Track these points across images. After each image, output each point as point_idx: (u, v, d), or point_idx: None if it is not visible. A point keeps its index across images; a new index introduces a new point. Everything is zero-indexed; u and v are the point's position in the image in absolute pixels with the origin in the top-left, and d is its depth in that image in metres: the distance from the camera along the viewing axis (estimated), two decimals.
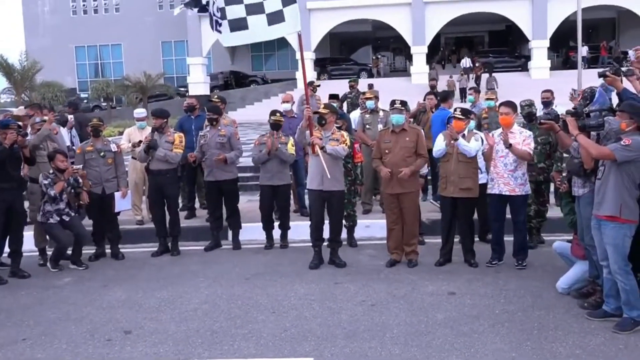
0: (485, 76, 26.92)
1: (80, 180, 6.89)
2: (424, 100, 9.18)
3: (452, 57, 37.43)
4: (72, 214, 6.83)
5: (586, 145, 4.58)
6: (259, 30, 6.46)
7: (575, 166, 5.03)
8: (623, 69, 5.16)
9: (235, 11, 6.44)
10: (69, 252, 6.89)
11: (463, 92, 24.49)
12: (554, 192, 8.05)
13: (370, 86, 16.05)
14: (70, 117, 9.35)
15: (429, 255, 6.61)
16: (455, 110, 6.51)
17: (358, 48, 39.16)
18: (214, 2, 6.57)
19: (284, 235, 7.48)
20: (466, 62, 29.32)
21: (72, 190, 6.80)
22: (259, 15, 6.40)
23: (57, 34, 39.23)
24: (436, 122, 8.07)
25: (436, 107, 8.77)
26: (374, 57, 36.33)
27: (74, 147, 8.41)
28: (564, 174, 5.47)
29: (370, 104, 8.44)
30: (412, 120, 7.74)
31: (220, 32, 6.62)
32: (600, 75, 5.03)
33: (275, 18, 6.38)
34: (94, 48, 40.60)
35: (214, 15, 6.59)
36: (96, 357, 4.43)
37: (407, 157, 6.35)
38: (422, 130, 6.88)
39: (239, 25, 6.48)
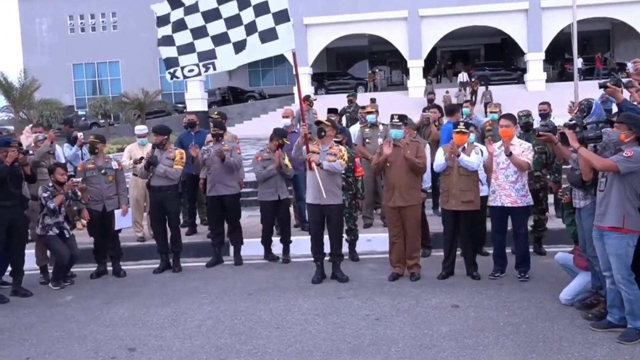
0: (481, 90, 27.06)
1: (79, 194, 6.91)
2: (424, 111, 9.22)
3: (448, 72, 37.67)
4: (69, 229, 6.83)
5: (589, 158, 4.61)
6: (253, 50, 6.55)
7: (576, 178, 5.05)
8: (623, 80, 5.22)
9: (239, 33, 6.52)
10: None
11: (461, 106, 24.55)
12: (554, 204, 8.14)
13: (373, 100, 16.10)
14: (80, 134, 9.40)
15: (432, 268, 6.62)
16: (458, 123, 6.55)
17: (355, 62, 39.40)
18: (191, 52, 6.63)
19: (286, 250, 7.49)
20: (463, 76, 29.49)
21: (70, 203, 6.80)
22: (254, 35, 6.49)
23: (55, 51, 39.41)
24: (444, 135, 8.10)
25: (439, 121, 8.81)
26: (370, 71, 36.52)
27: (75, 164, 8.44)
28: (564, 186, 5.50)
29: (371, 117, 8.49)
30: (416, 132, 7.77)
31: (208, 68, 6.67)
32: (601, 86, 5.08)
33: (268, 36, 6.47)
34: (92, 65, 40.77)
35: (200, 58, 6.67)
36: None
37: (408, 171, 6.37)
38: (421, 144, 6.91)
39: (241, 47, 6.56)
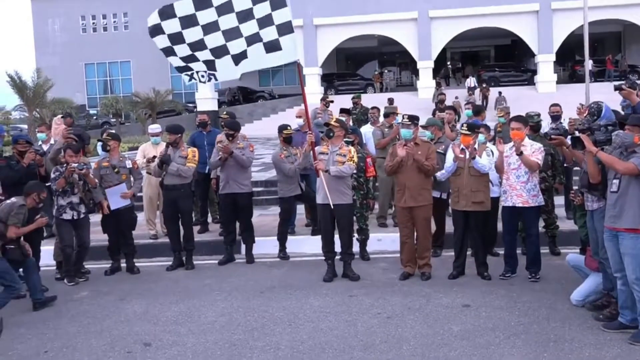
0: (495, 95, 26.91)
1: (86, 179, 6.90)
2: (436, 111, 9.25)
3: (457, 74, 37.58)
4: (84, 211, 6.87)
5: (609, 161, 4.63)
6: (256, 59, 6.70)
7: (587, 181, 5.08)
8: (639, 82, 5.24)
9: (239, 45, 6.65)
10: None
11: None
12: (565, 205, 8.15)
13: (391, 101, 16.08)
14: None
15: (442, 268, 6.66)
16: (462, 125, 6.60)
17: (364, 63, 39.42)
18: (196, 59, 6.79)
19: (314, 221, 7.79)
20: (471, 81, 29.39)
21: (83, 183, 6.83)
22: (257, 44, 6.61)
23: (67, 51, 39.77)
24: None
25: (456, 122, 8.84)
26: (376, 72, 36.49)
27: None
28: (575, 187, 5.52)
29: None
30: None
31: (213, 77, 6.87)
32: (616, 88, 5.10)
33: (272, 46, 6.61)
34: (103, 65, 41.11)
35: (201, 72, 6.84)
36: None
37: (419, 172, 6.42)
38: (433, 145, 6.95)
39: (241, 57, 6.71)
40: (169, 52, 6.83)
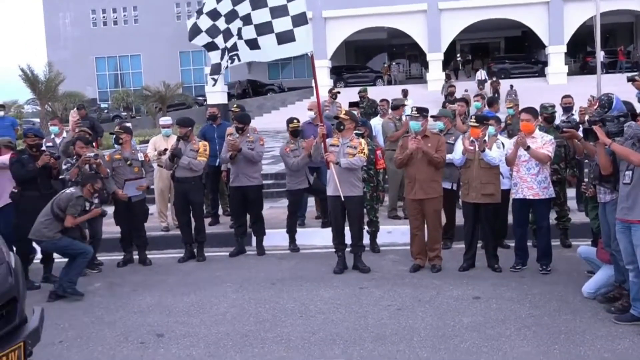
0: (506, 89, 26.69)
1: (98, 169, 6.98)
2: (446, 104, 9.22)
3: (467, 67, 37.33)
4: (97, 202, 6.93)
5: (624, 153, 4.60)
6: (269, 50, 6.71)
7: (598, 172, 5.05)
8: None
9: (249, 32, 6.70)
10: None
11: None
12: (576, 197, 8.12)
13: (405, 92, 15.99)
14: (129, 125, 9.72)
15: (452, 260, 6.66)
16: (470, 117, 6.58)
17: (374, 55, 39.29)
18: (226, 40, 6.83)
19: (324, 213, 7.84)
20: (481, 74, 29.18)
21: (94, 174, 6.90)
22: (268, 35, 6.62)
23: (78, 45, 39.96)
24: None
25: (467, 114, 8.80)
26: (384, 64, 36.35)
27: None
28: (586, 179, 5.49)
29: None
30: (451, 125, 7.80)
31: (234, 59, 6.89)
32: (629, 79, 5.06)
33: (285, 37, 6.61)
34: (114, 59, 41.28)
35: (228, 52, 6.88)
36: (131, 359, 4.55)
37: (429, 164, 6.41)
38: (443, 137, 6.93)
39: (253, 45, 6.77)
40: (211, 47, 6.94)
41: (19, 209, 6.56)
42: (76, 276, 6.15)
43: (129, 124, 10.06)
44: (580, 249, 5.87)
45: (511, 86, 26.44)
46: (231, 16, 6.72)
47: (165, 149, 7.78)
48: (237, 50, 6.84)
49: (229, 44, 6.79)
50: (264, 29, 6.64)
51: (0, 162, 6.67)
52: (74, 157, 6.92)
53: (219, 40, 6.81)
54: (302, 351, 4.54)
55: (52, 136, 9.37)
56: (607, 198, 5.08)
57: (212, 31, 6.81)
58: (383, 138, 8.80)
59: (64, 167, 6.86)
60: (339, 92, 11.01)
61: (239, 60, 6.91)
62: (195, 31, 6.89)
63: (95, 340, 4.93)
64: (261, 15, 6.62)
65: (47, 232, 6.05)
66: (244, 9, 6.67)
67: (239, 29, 6.73)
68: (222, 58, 6.87)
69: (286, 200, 8.12)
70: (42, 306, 4.19)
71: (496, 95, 26.10)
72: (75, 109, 9.75)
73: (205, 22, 6.82)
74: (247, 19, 6.68)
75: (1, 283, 3.40)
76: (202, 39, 6.88)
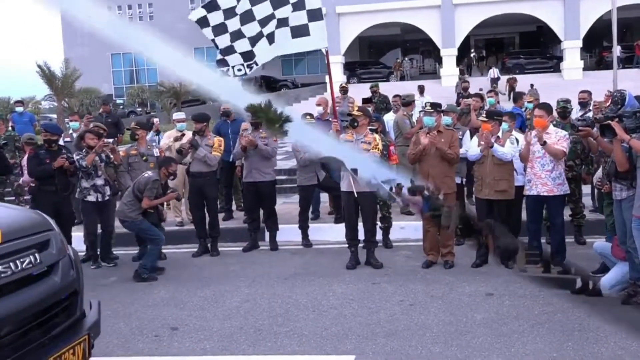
0: (526, 87, 26.38)
1: (112, 156, 7.14)
2: (460, 97, 9.19)
3: (480, 64, 37.00)
4: (109, 194, 7.04)
5: None
6: (282, 43, 6.72)
7: (614, 169, 5.01)
8: None
9: (270, 27, 6.71)
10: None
11: None
12: (591, 194, 8.05)
13: (421, 89, 15.95)
14: (156, 120, 9.80)
15: (465, 256, 6.64)
16: (482, 113, 6.57)
17: (387, 51, 39.12)
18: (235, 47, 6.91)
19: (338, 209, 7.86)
20: (494, 72, 28.90)
21: (107, 163, 7.03)
22: (284, 28, 6.63)
23: (94, 42, 40.08)
24: (518, 122, 7.98)
25: (481, 109, 8.76)
26: (397, 60, 36.18)
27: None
28: (599, 176, 5.45)
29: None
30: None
31: (253, 65, 6.95)
32: None
33: (299, 31, 6.63)
34: (129, 55, 41.53)
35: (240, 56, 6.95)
36: (146, 352, 4.62)
37: (442, 159, 6.40)
38: (456, 132, 6.92)
39: (271, 39, 6.78)
40: (214, 43, 7.04)
41: (37, 203, 6.69)
42: (149, 263, 6.56)
43: (156, 119, 10.16)
44: (595, 244, 5.83)
45: (531, 85, 26.17)
46: (248, 16, 6.76)
47: (182, 149, 7.79)
48: (255, 56, 6.90)
49: (240, 49, 6.80)
50: (281, 22, 6.69)
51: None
52: (84, 150, 7.02)
53: (222, 40, 6.85)
54: (314, 346, 4.57)
55: (70, 131, 9.50)
56: (623, 195, 5.04)
57: (218, 29, 6.85)
58: (395, 134, 8.79)
59: (75, 157, 6.94)
60: (346, 88, 11.10)
61: (257, 65, 6.99)
62: (203, 21, 6.91)
63: (110, 333, 4.99)
64: (284, 12, 6.67)
65: (130, 213, 6.52)
66: (264, 10, 6.70)
67: (260, 33, 6.76)
68: (225, 54, 6.90)
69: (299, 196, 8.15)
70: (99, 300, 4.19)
71: (513, 93, 25.87)
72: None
73: (215, 18, 6.84)
74: (269, 18, 6.71)
75: (64, 276, 3.29)
76: (208, 34, 6.93)
